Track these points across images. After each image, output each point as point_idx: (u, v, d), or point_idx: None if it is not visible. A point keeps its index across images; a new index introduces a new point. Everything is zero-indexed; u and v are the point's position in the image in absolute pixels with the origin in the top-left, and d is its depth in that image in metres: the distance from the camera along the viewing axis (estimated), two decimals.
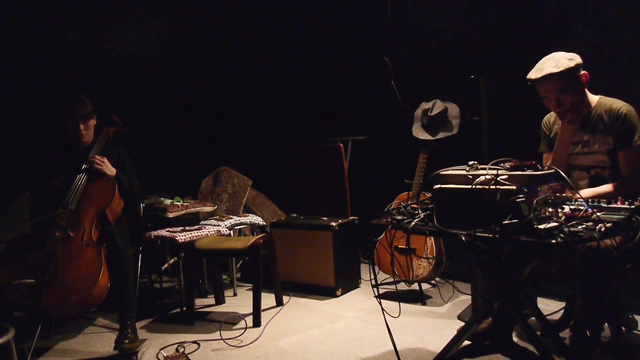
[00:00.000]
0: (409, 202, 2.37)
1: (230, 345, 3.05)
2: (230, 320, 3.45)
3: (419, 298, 3.67)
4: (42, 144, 3.70)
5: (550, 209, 1.95)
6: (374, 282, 2.41)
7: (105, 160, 3.21)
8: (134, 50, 4.91)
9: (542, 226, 1.83)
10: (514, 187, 1.92)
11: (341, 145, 4.28)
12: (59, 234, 2.84)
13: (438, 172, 2.21)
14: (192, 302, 3.51)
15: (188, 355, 2.87)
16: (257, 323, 3.34)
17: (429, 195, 2.37)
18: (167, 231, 3.74)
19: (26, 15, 4.26)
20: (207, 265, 4.10)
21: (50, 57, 4.34)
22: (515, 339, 2.74)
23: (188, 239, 3.62)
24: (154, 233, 3.74)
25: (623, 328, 2.66)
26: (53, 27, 4.38)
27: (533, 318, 2.47)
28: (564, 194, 2.09)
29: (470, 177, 2.07)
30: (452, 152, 3.63)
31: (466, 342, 2.49)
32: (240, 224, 4.18)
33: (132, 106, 4.57)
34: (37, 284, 2.62)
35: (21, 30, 4.22)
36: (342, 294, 3.92)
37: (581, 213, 1.91)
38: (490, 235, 1.89)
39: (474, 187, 2.01)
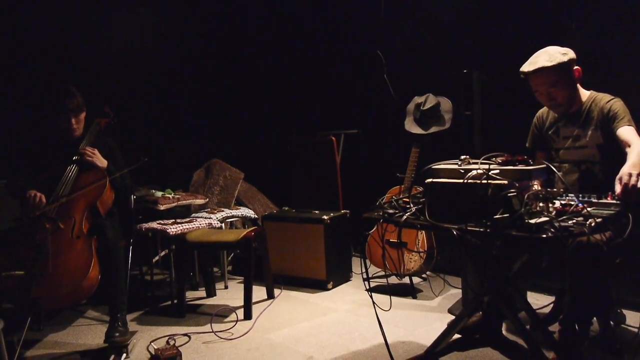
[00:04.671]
0: (401, 196, 2.37)
1: (221, 338, 3.05)
2: (221, 313, 3.45)
3: (410, 292, 3.69)
4: (32, 136, 3.66)
5: (541, 204, 1.96)
6: (365, 276, 2.41)
7: (96, 152, 3.17)
8: (126, 41, 4.87)
9: (532, 221, 1.83)
10: (506, 182, 1.93)
11: (334, 138, 4.27)
12: (49, 225, 2.82)
13: (430, 166, 2.21)
14: (183, 295, 3.51)
15: (179, 348, 2.86)
16: (248, 316, 3.34)
17: (420, 189, 2.37)
18: (158, 223, 3.73)
19: (14, 6, 4.21)
20: (198, 257, 4.09)
21: (39, 47, 4.29)
22: (504, 332, 2.76)
23: (179, 232, 3.61)
24: (145, 225, 3.72)
25: (611, 322, 2.68)
26: (43, 18, 4.33)
27: (523, 312, 2.48)
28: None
29: (462, 171, 2.08)
30: (444, 146, 3.63)
31: (456, 336, 2.50)
32: (232, 216, 4.17)
33: (123, 97, 4.53)
34: (26, 276, 2.59)
35: (10, 21, 4.17)
36: (334, 287, 3.93)
37: (572, 208, 1.92)
38: (481, 230, 1.89)
39: (465, 181, 2.02)
